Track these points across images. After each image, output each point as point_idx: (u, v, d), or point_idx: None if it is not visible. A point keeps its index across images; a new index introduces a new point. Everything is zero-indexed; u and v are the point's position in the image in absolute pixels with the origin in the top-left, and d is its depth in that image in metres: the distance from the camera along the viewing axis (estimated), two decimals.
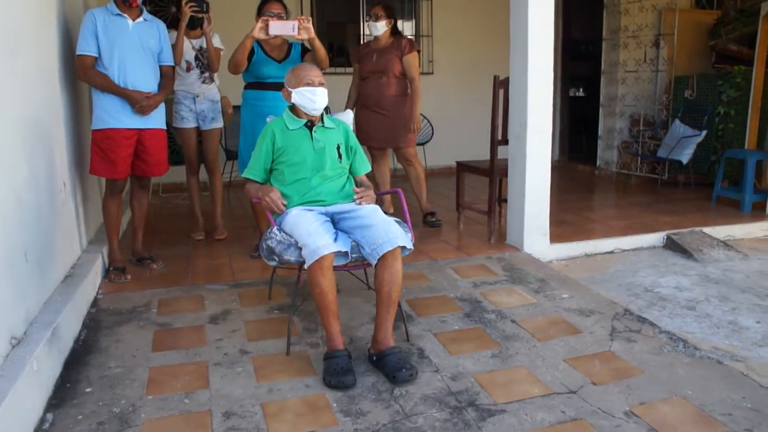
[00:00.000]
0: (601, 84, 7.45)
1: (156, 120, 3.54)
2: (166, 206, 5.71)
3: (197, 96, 4.28)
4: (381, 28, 4.56)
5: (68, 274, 3.12)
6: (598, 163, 7.58)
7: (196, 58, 4.24)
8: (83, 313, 3.01)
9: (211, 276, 3.64)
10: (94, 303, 3.20)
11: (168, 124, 3.75)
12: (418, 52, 4.78)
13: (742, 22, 6.58)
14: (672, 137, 6.24)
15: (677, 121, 6.33)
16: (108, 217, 3.61)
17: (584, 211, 5.40)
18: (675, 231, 4.65)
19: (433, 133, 7.52)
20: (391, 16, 4.64)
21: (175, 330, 2.88)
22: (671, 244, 4.55)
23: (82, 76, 3.38)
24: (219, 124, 4.41)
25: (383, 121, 4.65)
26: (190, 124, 4.31)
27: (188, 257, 4.03)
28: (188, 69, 4.22)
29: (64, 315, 2.61)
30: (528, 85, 3.96)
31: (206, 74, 4.28)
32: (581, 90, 8.94)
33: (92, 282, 3.28)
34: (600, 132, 7.50)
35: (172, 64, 3.66)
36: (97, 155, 3.41)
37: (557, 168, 7.94)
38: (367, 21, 4.61)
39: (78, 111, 3.68)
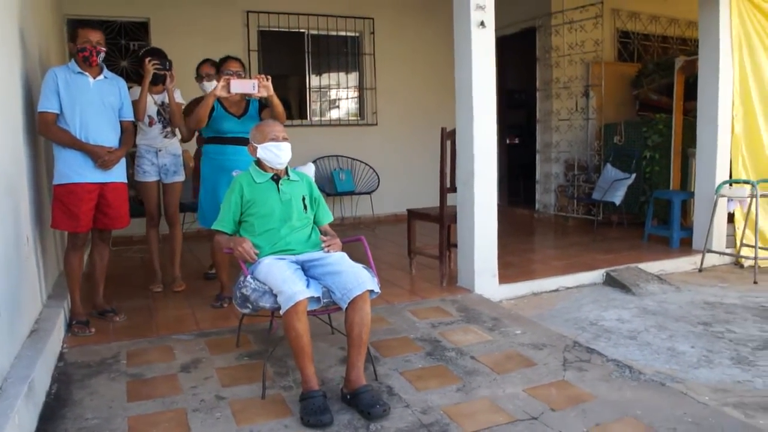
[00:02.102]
0: (536, 131, 7.94)
1: (117, 174, 3.65)
2: (119, 259, 5.73)
3: (159, 150, 4.40)
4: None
5: (33, 328, 3.14)
6: (536, 206, 8.01)
7: (158, 113, 4.38)
8: (52, 367, 3.04)
9: (175, 326, 3.72)
10: (61, 357, 3.24)
11: (129, 177, 3.85)
12: None
13: (660, 75, 7.23)
14: (605, 180, 6.71)
15: (608, 165, 6.82)
16: (70, 271, 3.65)
17: (527, 253, 5.72)
18: (613, 268, 5.00)
19: (378, 182, 7.80)
20: None
21: (148, 380, 2.95)
22: (610, 280, 4.89)
23: (44, 131, 3.47)
24: (181, 177, 4.53)
25: None
26: (152, 177, 4.42)
27: (150, 309, 4.09)
28: (151, 124, 4.35)
29: (37, 369, 2.66)
30: (474, 135, 4.26)
31: (168, 129, 4.42)
32: (517, 138, 9.44)
33: (57, 336, 3.30)
34: (537, 177, 7.95)
35: (132, 119, 3.79)
36: (59, 210, 3.48)
37: (498, 212, 8.27)
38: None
39: (38, 166, 3.75)
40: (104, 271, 3.89)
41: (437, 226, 4.62)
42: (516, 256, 5.49)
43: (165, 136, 4.42)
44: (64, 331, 3.55)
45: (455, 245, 4.69)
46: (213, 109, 3.88)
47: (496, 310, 3.99)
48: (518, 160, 9.06)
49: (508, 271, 4.88)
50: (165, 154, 4.43)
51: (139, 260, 5.70)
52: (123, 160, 3.69)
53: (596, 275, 4.95)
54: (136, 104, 3.98)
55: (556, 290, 4.72)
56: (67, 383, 2.93)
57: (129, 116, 3.74)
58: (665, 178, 6.55)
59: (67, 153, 3.46)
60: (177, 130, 4.48)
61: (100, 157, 3.48)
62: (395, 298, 4.22)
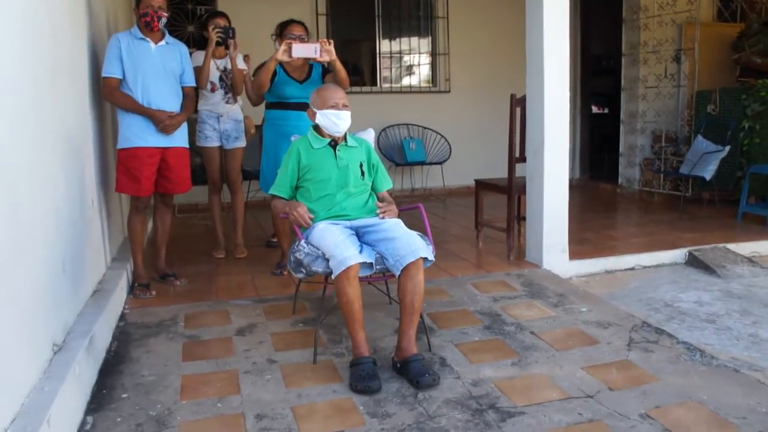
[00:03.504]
0: (621, 100, 7.71)
1: (179, 139, 3.82)
2: (184, 226, 6.02)
3: (221, 116, 4.58)
4: None
5: (96, 289, 3.38)
6: (620, 181, 7.81)
7: (221, 78, 4.53)
8: (113, 326, 3.28)
9: (234, 292, 3.90)
10: (122, 317, 3.47)
11: (191, 143, 4.03)
12: None
13: (766, 35, 6.82)
14: (694, 153, 6.46)
15: (699, 137, 6.55)
16: (133, 234, 3.88)
17: (605, 229, 5.63)
18: (697, 247, 4.85)
19: (450, 152, 7.80)
20: None
21: (203, 342, 3.14)
22: (693, 260, 4.75)
23: (107, 96, 3.68)
24: (242, 143, 4.70)
25: None
26: (214, 143, 4.61)
27: (210, 274, 4.30)
28: (213, 89, 4.52)
29: (98, 326, 2.87)
30: (544, 103, 4.22)
31: (230, 95, 4.57)
32: (605, 108, 9.19)
33: (119, 297, 3.54)
34: (621, 149, 7.74)
35: (194, 85, 3.95)
36: (122, 173, 3.69)
37: (578, 187, 8.19)
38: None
39: (103, 131, 3.98)
40: (166, 235, 4.10)
41: (505, 198, 4.62)
42: (593, 232, 5.42)
43: (227, 102, 4.57)
44: (126, 293, 3.79)
45: (524, 218, 4.68)
46: (275, 73, 3.98)
47: (563, 287, 3.98)
48: (602, 131, 8.84)
49: (582, 247, 4.84)
50: (227, 120, 4.60)
51: (203, 227, 5.94)
52: (185, 125, 3.86)
53: (678, 254, 4.82)
54: (198, 71, 4.14)
55: (632, 269, 4.64)
56: (126, 342, 3.14)
57: (190, 82, 3.90)
58: (766, 152, 6.24)
59: (129, 117, 3.65)
60: (239, 96, 4.62)
61: (161, 122, 3.65)
62: (459, 271, 4.27)
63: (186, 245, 5.19)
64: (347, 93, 3.25)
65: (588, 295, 3.84)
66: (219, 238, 4.81)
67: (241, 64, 4.50)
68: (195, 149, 4.40)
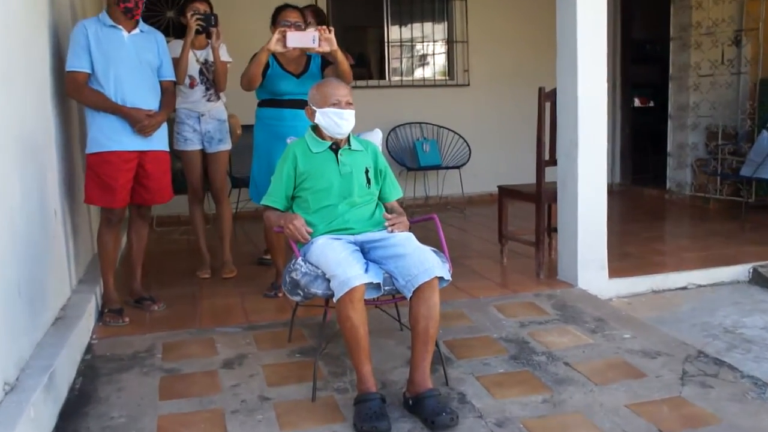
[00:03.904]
0: (669, 91, 7.69)
1: (158, 141, 3.83)
2: (163, 242, 6.04)
3: (202, 115, 4.60)
4: None
5: (59, 316, 3.38)
6: (668, 185, 7.79)
7: (201, 72, 4.56)
8: (77, 359, 3.27)
9: (221, 318, 3.91)
10: (89, 349, 3.47)
11: (170, 146, 4.05)
12: None
13: None
14: (758, 152, 6.40)
15: (765, 132, 6.50)
16: (104, 252, 3.89)
17: (652, 242, 5.61)
18: (763, 263, 4.82)
19: (470, 155, 7.81)
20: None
21: (184, 376, 3.13)
22: (759, 279, 4.72)
23: (72, 93, 3.69)
24: (227, 146, 4.73)
25: None
26: (195, 146, 4.63)
27: (194, 298, 4.31)
28: (192, 85, 4.54)
29: (60, 360, 2.86)
30: (578, 96, 4.21)
31: (212, 91, 4.60)
32: (647, 100, 9.16)
33: (86, 325, 3.54)
34: (669, 148, 7.72)
35: (173, 79, 3.98)
36: (93, 182, 3.70)
37: (619, 193, 8.17)
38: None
39: (69, 133, 4.00)
40: (142, 253, 4.11)
41: (533, 207, 4.61)
42: (637, 246, 5.41)
43: (208, 99, 4.59)
44: (94, 320, 3.79)
45: (555, 230, 4.68)
46: (268, 66, 3.99)
47: (602, 309, 3.97)
48: (646, 128, 8.81)
49: (625, 263, 4.84)
50: (208, 120, 4.62)
51: (185, 243, 5.97)
52: (164, 126, 3.87)
53: (740, 271, 4.80)
54: (175, 64, 4.14)
55: (684, 288, 4.61)
56: (94, 377, 3.14)
57: (170, 75, 3.92)
58: None
59: (101, 118, 3.66)
60: (222, 93, 4.65)
61: (138, 122, 3.66)
62: (480, 292, 4.27)
63: (165, 264, 5.20)
64: (351, 88, 3.26)
65: (632, 320, 3.82)
66: (203, 255, 4.83)
67: (224, 56, 4.52)
68: (174, 153, 4.42)
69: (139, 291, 4.11)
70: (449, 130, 7.89)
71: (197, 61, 4.53)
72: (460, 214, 7.27)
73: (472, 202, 7.79)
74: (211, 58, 4.49)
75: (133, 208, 3.99)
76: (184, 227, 6.51)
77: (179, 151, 4.65)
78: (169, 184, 3.97)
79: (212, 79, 4.55)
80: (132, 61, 3.70)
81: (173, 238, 6.26)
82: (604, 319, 3.79)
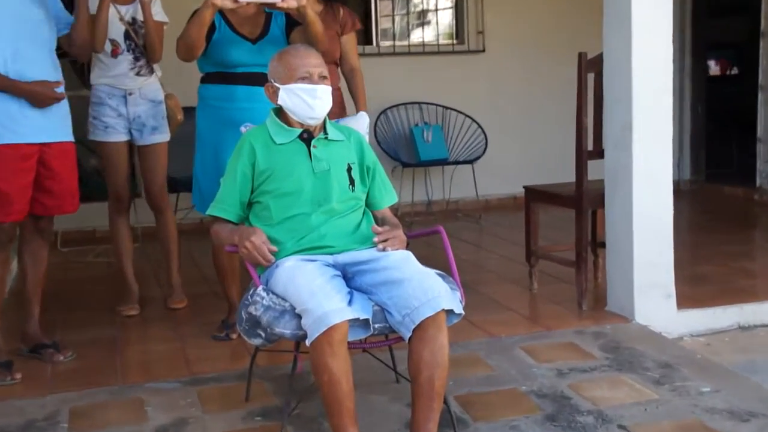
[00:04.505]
0: (759, 53, 7.61)
1: (62, 130, 3.76)
2: (71, 267, 5.94)
3: (130, 93, 4.50)
4: None
5: None
6: (758, 182, 7.76)
7: (127, 35, 4.46)
8: None
9: (153, 370, 3.82)
10: None
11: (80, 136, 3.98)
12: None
13: None
14: None
15: None
16: None
17: (736, 259, 5.55)
18: None
19: (486, 146, 7.74)
20: None
21: None
22: None
23: None
24: (164, 135, 4.64)
25: None
26: (120, 136, 4.53)
27: (114, 343, 4.20)
28: (115, 53, 4.44)
29: None
30: (632, 64, 4.12)
31: (142, 62, 4.51)
32: (729, 65, 9.10)
33: None
34: (759, 133, 7.66)
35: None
36: None
37: (690, 193, 8.18)
38: None
39: None
40: (41, 283, 4.00)
41: (572, 214, 4.54)
42: (714, 265, 5.37)
43: (138, 73, 4.52)
44: None
45: (603, 244, 4.61)
46: (214, 27, 3.91)
47: (670, 352, 3.88)
48: (726, 105, 8.77)
49: (700, 288, 4.79)
50: (138, 100, 4.53)
51: (103, 268, 5.89)
52: (66, 107, 3.78)
53: None
54: (94, 24, 4.07)
55: None
56: None
57: (66, 29, 3.88)
58: None
59: None
60: (156, 65, 4.57)
61: (45, 98, 3.60)
62: (503, 328, 4.21)
63: (74, 297, 5.12)
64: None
65: (712, 366, 3.74)
66: (129, 284, 4.75)
67: (159, 14, 4.45)
68: (87, 146, 4.30)
69: (36, 335, 3.99)
70: (458, 111, 7.88)
71: (121, 20, 4.44)
72: (474, 223, 7.26)
73: (490, 208, 7.79)
74: (140, 17, 4.41)
75: (28, 222, 3.88)
76: (101, 246, 6.43)
77: (97, 143, 4.57)
78: (76, 187, 3.90)
79: (143, 45, 4.47)
80: (19, 20, 3.62)
81: (86, 262, 6.18)
82: (672, 365, 3.70)
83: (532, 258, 4.93)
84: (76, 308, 4.84)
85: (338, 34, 4.79)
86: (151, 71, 4.57)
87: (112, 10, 4.34)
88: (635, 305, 4.25)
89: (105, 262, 5.98)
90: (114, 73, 4.47)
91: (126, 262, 4.74)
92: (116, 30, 4.42)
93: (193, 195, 4.16)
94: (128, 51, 4.47)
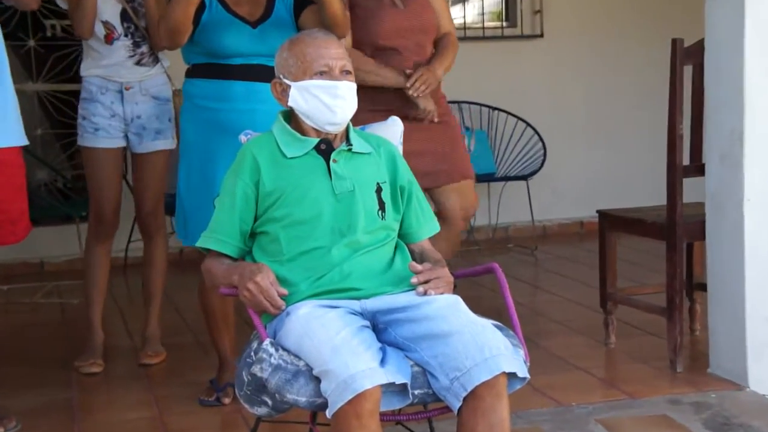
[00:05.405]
0: None
1: (11, 132, 3.80)
2: (13, 309, 6.01)
3: (127, 87, 4.59)
4: None
5: None
6: None
7: (124, 16, 4.55)
8: None
9: None
10: None
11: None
12: None
13: None
14: None
15: None
16: None
17: None
18: None
19: (544, 157, 7.78)
20: None
21: None
22: None
23: None
24: (168, 143, 4.72)
25: (433, 136, 4.87)
26: (113, 141, 4.61)
27: (71, 410, 4.22)
28: (109, 38, 4.53)
29: None
30: (745, 54, 4.14)
31: (144, 48, 4.61)
32: None
33: None
34: None
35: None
36: None
37: None
38: None
39: None
40: None
41: (662, 247, 4.54)
42: None
43: (138, 62, 4.62)
44: None
45: (702, 286, 4.61)
46: (204, 7, 3.96)
47: None
48: None
49: None
50: (138, 97, 4.62)
51: (58, 312, 5.92)
52: (15, 101, 3.83)
53: None
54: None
55: None
56: None
57: None
58: None
59: None
60: (163, 54, 4.68)
61: None
62: (572, 395, 4.23)
63: (19, 349, 5.17)
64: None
65: None
66: (94, 331, 4.79)
67: None
68: (34, 153, 4.35)
69: None
70: (509, 113, 7.94)
71: None
72: (529, 256, 7.31)
73: (549, 237, 7.83)
74: None
75: None
76: (51, 283, 6.47)
77: (83, 148, 4.63)
78: (25, 207, 3.92)
79: (144, 27, 4.56)
80: None
81: (33, 303, 6.21)
82: None
83: (608, 303, 4.92)
84: (21, 364, 4.86)
85: None
86: (156, 61, 4.66)
87: None
88: (749, 367, 4.22)
89: (57, 303, 6.02)
90: (108, 62, 4.57)
91: (96, 302, 4.78)
92: (110, 9, 4.51)
93: (177, 220, 4.18)
94: (126, 35, 4.57)
